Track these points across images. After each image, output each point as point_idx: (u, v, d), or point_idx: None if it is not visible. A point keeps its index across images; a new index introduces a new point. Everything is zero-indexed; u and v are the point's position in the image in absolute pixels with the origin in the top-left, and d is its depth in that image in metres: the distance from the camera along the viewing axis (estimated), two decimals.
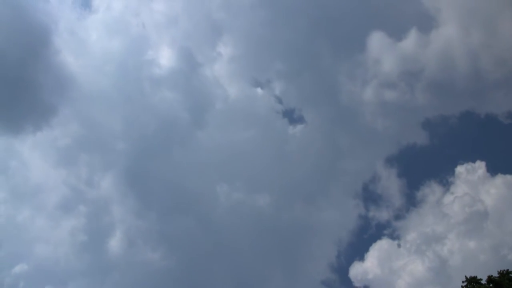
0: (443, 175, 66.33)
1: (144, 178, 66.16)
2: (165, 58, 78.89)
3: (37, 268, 58.16)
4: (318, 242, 64.78)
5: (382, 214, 66.89)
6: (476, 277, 35.60)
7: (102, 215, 63.55)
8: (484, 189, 60.65)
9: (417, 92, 73.23)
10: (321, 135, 75.83)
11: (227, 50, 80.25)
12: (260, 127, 73.83)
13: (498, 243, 53.59)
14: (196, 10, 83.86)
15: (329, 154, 73.54)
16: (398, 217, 64.94)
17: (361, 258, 61.03)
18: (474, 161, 64.10)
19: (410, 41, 74.51)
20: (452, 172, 63.97)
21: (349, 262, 61.30)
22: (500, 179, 61.71)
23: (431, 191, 64.89)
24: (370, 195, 69.17)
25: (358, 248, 63.52)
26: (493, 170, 62.16)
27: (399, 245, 60.30)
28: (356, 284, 58.82)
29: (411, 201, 65.06)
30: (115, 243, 60.62)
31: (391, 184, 69.24)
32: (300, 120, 77.09)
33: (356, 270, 59.69)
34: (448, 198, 62.02)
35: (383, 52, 75.17)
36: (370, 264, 59.31)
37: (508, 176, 60.75)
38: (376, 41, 75.06)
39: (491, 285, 34.91)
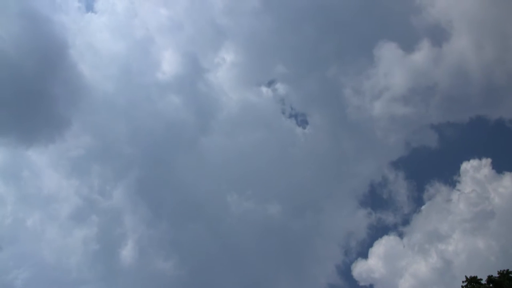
0: (449, 173, 66.29)
1: (155, 187, 67.10)
2: (170, 64, 79.30)
3: (48, 277, 58.98)
4: (325, 246, 65.02)
5: (388, 214, 66.96)
6: (476, 277, 35.73)
7: (113, 225, 64.14)
8: (491, 187, 60.43)
9: (429, 108, 71.90)
10: (327, 139, 75.97)
11: (231, 55, 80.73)
12: (266, 131, 74.42)
13: (505, 242, 53.48)
14: (200, 16, 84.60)
15: (335, 158, 73.73)
16: (403, 216, 64.90)
17: (365, 256, 61.55)
18: (480, 159, 63.88)
19: (421, 54, 73.51)
20: (457, 171, 63.79)
21: (354, 263, 61.73)
22: (508, 176, 61.44)
23: (437, 190, 64.75)
24: (376, 197, 69.28)
25: (363, 247, 63.80)
26: (500, 168, 61.92)
27: (404, 245, 60.44)
28: (361, 283, 59.16)
29: (417, 200, 64.94)
30: (126, 252, 61.22)
31: (397, 185, 69.22)
32: (306, 124, 77.54)
33: (361, 269, 60.08)
34: (454, 197, 62.04)
35: (392, 63, 74.32)
36: (375, 263, 59.62)
37: None
38: (385, 51, 74.30)
39: (491, 285, 35.04)
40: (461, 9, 72.98)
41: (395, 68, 74.47)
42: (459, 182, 63.40)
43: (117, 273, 60.49)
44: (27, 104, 64.76)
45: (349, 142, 74.99)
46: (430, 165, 71.62)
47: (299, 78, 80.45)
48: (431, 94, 71.83)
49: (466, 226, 57.66)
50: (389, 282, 58.23)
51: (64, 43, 69.40)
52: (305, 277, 62.17)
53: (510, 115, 68.04)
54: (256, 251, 63.84)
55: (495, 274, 34.86)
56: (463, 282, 35.79)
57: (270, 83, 79.66)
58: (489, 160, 62.37)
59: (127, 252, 60.94)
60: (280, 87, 79.41)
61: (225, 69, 79.59)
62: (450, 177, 65.70)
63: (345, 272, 61.22)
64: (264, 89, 79.69)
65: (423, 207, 62.15)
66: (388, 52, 73.94)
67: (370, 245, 62.21)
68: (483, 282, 35.43)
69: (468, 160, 63.79)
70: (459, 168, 63.65)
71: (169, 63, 78.90)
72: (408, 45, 73.64)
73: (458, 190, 62.48)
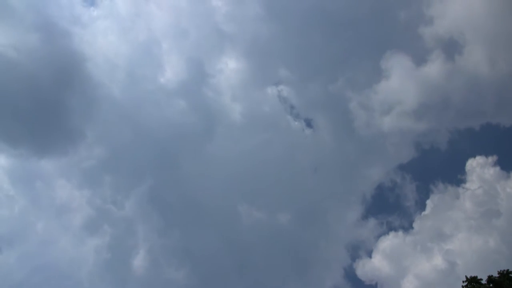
0: (455, 172, 66.06)
1: (166, 196, 67.45)
2: (176, 70, 79.81)
3: (60, 286, 59.91)
4: (333, 250, 65.06)
5: (393, 213, 67.07)
6: (476, 277, 35.92)
7: (125, 234, 64.55)
8: (498, 186, 60.19)
9: (442, 124, 71.11)
10: (333, 143, 75.71)
11: (235, 61, 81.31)
12: (272, 136, 74.27)
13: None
14: (203, 21, 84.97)
15: (341, 162, 73.43)
16: (409, 215, 64.87)
17: (371, 256, 61.79)
18: (487, 156, 63.58)
19: (432, 66, 72.40)
20: (463, 169, 63.59)
21: (360, 262, 62.00)
22: None
23: (442, 188, 64.50)
24: (382, 196, 69.25)
25: (368, 247, 64.01)
26: (506, 166, 61.55)
27: (410, 244, 60.45)
28: (367, 283, 59.43)
29: (423, 199, 64.70)
30: (138, 262, 61.54)
31: (403, 184, 69.15)
32: (313, 128, 77.40)
33: (366, 269, 60.37)
34: (459, 195, 61.92)
35: (401, 74, 73.30)
36: (380, 263, 59.95)
37: None
38: (393, 62, 73.37)
39: (491, 285, 35.21)
40: (473, 21, 70.98)
41: (402, 80, 73.77)
42: (465, 179, 63.28)
43: (128, 282, 60.81)
44: (41, 115, 66.54)
45: (355, 147, 74.50)
46: (436, 163, 71.25)
47: (304, 84, 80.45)
48: (444, 109, 70.74)
49: (472, 224, 57.70)
50: (394, 281, 58.50)
51: (80, 55, 71.01)
52: (314, 283, 62.51)
53: None
54: (266, 258, 63.86)
55: (491, 274, 35.05)
56: (463, 282, 36.02)
57: (275, 88, 79.70)
58: (495, 157, 62.22)
59: (139, 262, 61.42)
60: (285, 92, 79.41)
61: (229, 74, 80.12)
62: (456, 175, 65.61)
63: (353, 275, 61.48)
64: (269, 94, 79.66)
65: (428, 205, 62.02)
66: (396, 63, 73.29)
67: (376, 244, 62.51)
68: (483, 282, 35.66)
69: (474, 157, 63.57)
70: (464, 165, 63.54)
71: (175, 70, 79.50)
72: (418, 56, 73.05)
73: (464, 188, 62.45)
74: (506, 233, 54.24)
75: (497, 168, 61.34)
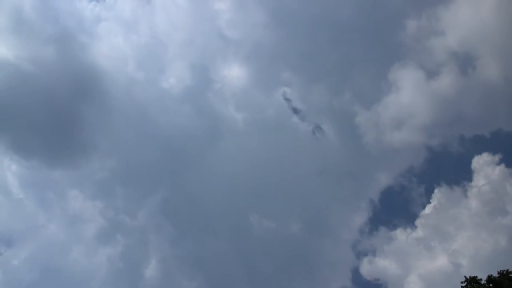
0: (460, 170, 65.39)
1: (178, 205, 67.45)
2: (185, 79, 79.14)
3: None
4: (340, 253, 64.89)
5: (398, 212, 66.61)
6: (476, 277, 35.61)
7: (138, 244, 64.48)
8: (504, 183, 59.49)
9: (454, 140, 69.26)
10: (340, 149, 74.57)
11: (241, 67, 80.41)
12: (279, 141, 73.33)
13: None
14: (207, 27, 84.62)
15: (348, 166, 72.67)
16: (414, 213, 64.22)
17: (376, 255, 61.67)
18: (493, 154, 62.75)
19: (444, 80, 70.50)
20: (469, 167, 62.84)
21: (365, 261, 61.97)
22: None
23: (448, 187, 63.73)
24: (388, 196, 68.62)
25: (373, 246, 63.78)
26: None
27: (414, 242, 60.12)
28: (373, 282, 59.33)
29: (427, 197, 63.84)
30: (151, 272, 61.37)
31: (409, 182, 68.49)
32: (320, 134, 76.11)
33: (372, 268, 60.30)
34: (466, 193, 61.40)
35: (409, 87, 71.71)
36: (385, 261, 59.83)
37: None
38: (401, 74, 71.95)
39: (491, 285, 34.86)
40: (485, 34, 68.25)
41: (411, 92, 72.14)
42: (471, 177, 62.62)
43: None
44: (55, 127, 67.39)
45: (363, 157, 72.59)
46: (442, 161, 70.22)
47: (310, 91, 78.77)
48: (456, 123, 68.76)
49: (478, 223, 57.21)
50: (400, 281, 58.21)
51: (92, 67, 71.72)
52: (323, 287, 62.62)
53: None
54: (276, 265, 63.31)
55: (490, 274, 34.73)
56: (462, 282, 35.74)
57: (280, 94, 78.30)
58: (501, 155, 61.46)
59: (151, 271, 61.26)
60: (291, 98, 77.88)
61: (235, 80, 79.30)
62: (462, 173, 64.93)
63: (360, 277, 61.31)
64: (274, 100, 78.21)
65: (434, 203, 61.46)
66: (405, 75, 71.83)
67: (381, 245, 62.31)
68: (483, 282, 35.33)
69: (480, 154, 62.78)
70: (470, 163, 62.81)
71: (183, 77, 78.71)
72: (428, 69, 71.06)
73: (470, 185, 61.78)
74: None
75: (502, 166, 60.66)
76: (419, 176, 67.59)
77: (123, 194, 67.36)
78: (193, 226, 65.81)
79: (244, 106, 76.81)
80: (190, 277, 61.39)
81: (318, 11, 79.59)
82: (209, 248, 63.61)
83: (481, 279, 35.24)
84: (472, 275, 36.09)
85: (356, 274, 61.46)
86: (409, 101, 71.52)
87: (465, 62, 69.88)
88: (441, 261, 55.87)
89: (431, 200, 61.99)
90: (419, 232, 59.94)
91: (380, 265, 61.03)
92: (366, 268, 61.31)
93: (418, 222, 61.04)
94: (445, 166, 69.79)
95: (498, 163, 60.92)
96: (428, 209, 60.90)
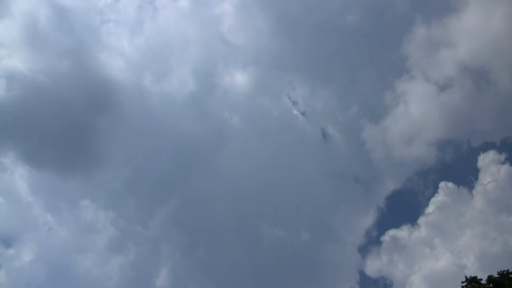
0: (465, 168, 65.06)
1: (189, 216, 67.94)
2: (191, 85, 79.80)
3: None
4: (348, 256, 65.33)
5: (403, 210, 66.61)
6: (476, 277, 35.73)
7: (150, 254, 65.25)
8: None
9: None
10: (345, 153, 74.90)
11: (245, 73, 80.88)
12: (284, 146, 73.56)
13: None
14: (211, 32, 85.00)
15: (355, 170, 72.79)
16: (418, 212, 64.16)
17: (380, 255, 61.80)
18: (500, 152, 62.39)
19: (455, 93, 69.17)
20: (474, 165, 62.57)
21: (371, 260, 62.19)
22: None
23: (454, 185, 63.41)
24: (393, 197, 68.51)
25: (378, 245, 63.99)
26: None
27: (419, 241, 60.11)
28: (379, 281, 59.62)
29: (432, 194, 63.59)
30: (162, 281, 62.02)
31: (414, 181, 68.41)
32: (326, 137, 76.62)
33: (377, 266, 60.49)
34: (471, 191, 61.18)
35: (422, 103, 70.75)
36: (390, 260, 59.99)
37: None
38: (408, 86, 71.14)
39: (491, 285, 34.98)
40: (496, 46, 67.08)
41: (419, 105, 71.32)
42: (476, 175, 62.34)
43: None
44: (67, 138, 68.14)
45: (369, 167, 72.63)
46: (446, 158, 69.71)
47: (316, 97, 79.10)
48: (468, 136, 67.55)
49: (484, 221, 57.05)
50: (405, 280, 58.33)
51: (105, 78, 72.88)
52: None
53: None
54: (286, 272, 63.84)
55: (491, 274, 34.83)
56: (462, 282, 35.89)
57: (286, 99, 79.37)
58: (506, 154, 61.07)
59: (162, 280, 61.86)
60: (296, 102, 78.87)
61: (239, 86, 79.83)
62: (468, 171, 64.60)
63: (368, 279, 61.83)
64: (280, 105, 78.81)
65: (438, 202, 61.29)
66: (412, 87, 70.98)
67: (387, 244, 62.39)
68: (483, 282, 35.46)
69: (486, 151, 62.40)
70: (476, 160, 62.50)
71: (191, 85, 79.46)
72: (438, 81, 70.13)
73: (476, 183, 61.54)
74: None
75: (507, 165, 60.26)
76: (424, 175, 67.48)
77: (135, 204, 68.05)
78: (203, 234, 66.43)
79: (250, 113, 77.04)
80: (201, 286, 62.04)
81: (323, 18, 79.72)
82: (220, 257, 64.55)
83: (481, 279, 35.35)
84: (473, 275, 36.32)
85: (363, 276, 61.97)
86: (419, 114, 70.99)
87: (476, 75, 68.71)
88: (446, 260, 55.93)
89: (436, 199, 61.90)
90: (424, 232, 59.95)
91: (386, 265, 61.23)
92: (373, 270, 61.64)
93: (423, 221, 61.01)
94: (451, 164, 69.49)
95: (504, 162, 60.58)
96: (433, 208, 60.83)
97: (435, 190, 63.27)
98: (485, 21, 69.12)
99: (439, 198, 61.76)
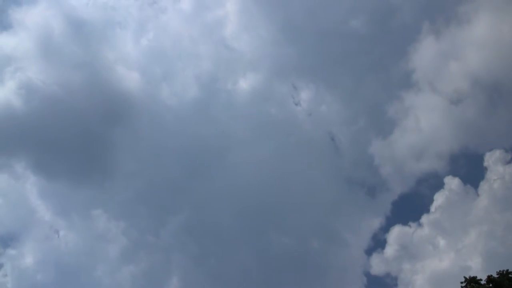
0: (471, 167, 64.54)
1: (201, 224, 67.80)
2: (199, 93, 79.29)
3: None
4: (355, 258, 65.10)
5: (408, 208, 66.29)
6: (476, 277, 35.80)
7: (161, 263, 65.19)
8: None
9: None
10: (354, 154, 73.41)
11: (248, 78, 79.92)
12: (290, 150, 73.24)
13: None
14: (214, 37, 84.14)
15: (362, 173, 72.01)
16: (423, 210, 63.71)
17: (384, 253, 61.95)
18: (506, 151, 61.70)
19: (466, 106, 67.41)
20: (481, 164, 61.99)
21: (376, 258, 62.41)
22: None
23: (459, 183, 62.88)
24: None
25: (383, 244, 63.85)
26: None
27: (424, 239, 59.96)
28: (384, 279, 59.72)
29: (436, 193, 63.06)
30: None
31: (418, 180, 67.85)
32: (333, 142, 75.49)
33: (382, 264, 60.56)
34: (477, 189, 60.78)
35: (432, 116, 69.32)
36: (394, 258, 60.02)
37: None
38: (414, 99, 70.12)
39: (490, 285, 34.99)
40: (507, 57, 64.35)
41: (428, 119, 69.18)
42: (483, 174, 61.78)
43: None
44: (82, 148, 68.91)
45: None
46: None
47: (321, 102, 77.91)
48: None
49: (490, 219, 56.72)
50: (411, 278, 58.30)
51: (118, 89, 73.59)
52: None
53: None
54: (295, 280, 63.03)
55: (490, 274, 34.86)
56: (462, 282, 35.95)
57: (293, 104, 78.87)
58: None
59: None
60: (301, 106, 78.32)
61: (245, 91, 78.89)
62: (473, 170, 64.02)
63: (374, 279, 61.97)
64: (286, 110, 78.13)
65: (443, 201, 60.92)
66: (421, 99, 69.46)
67: (392, 242, 62.34)
68: (483, 282, 35.48)
69: (491, 150, 61.75)
70: (482, 159, 61.91)
71: (199, 93, 78.92)
72: (448, 94, 68.02)
73: (483, 181, 61.00)
74: None
75: None
76: (429, 173, 66.99)
77: (147, 214, 68.60)
78: (213, 242, 66.34)
79: (257, 120, 76.34)
80: None
81: (327, 25, 78.14)
82: (230, 264, 64.55)
83: (480, 279, 35.42)
84: (473, 275, 36.39)
85: (369, 278, 62.00)
86: (428, 128, 68.76)
87: (488, 87, 66.32)
88: (452, 259, 55.76)
89: (441, 196, 61.50)
90: (428, 230, 59.75)
91: (391, 266, 61.16)
92: (378, 272, 61.65)
93: (427, 220, 60.73)
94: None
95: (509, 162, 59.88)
96: (438, 206, 60.51)
97: (440, 187, 63.05)
98: (496, 32, 67.17)
99: (444, 195, 61.47)
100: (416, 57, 71.32)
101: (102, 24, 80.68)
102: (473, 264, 52.23)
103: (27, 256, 62.56)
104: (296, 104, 79.10)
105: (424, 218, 60.71)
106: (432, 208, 61.20)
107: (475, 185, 61.13)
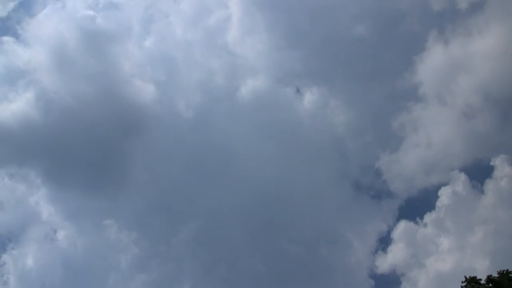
0: (477, 167, 64.07)
1: (212, 233, 68.43)
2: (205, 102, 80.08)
3: None
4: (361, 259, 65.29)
5: (414, 207, 66.05)
6: (476, 277, 35.74)
7: (172, 271, 65.93)
8: None
9: None
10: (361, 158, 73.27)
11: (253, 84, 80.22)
12: (296, 156, 73.87)
13: None
14: (216, 42, 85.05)
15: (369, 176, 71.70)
16: (427, 209, 63.38)
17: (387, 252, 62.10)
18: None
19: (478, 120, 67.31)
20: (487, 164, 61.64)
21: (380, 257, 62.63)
22: None
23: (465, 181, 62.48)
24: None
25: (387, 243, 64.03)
26: None
27: (428, 238, 59.81)
28: (390, 278, 59.86)
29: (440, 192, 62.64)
30: None
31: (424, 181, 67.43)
32: (340, 142, 75.51)
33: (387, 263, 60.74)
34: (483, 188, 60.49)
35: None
36: (399, 256, 60.11)
37: None
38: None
39: (490, 285, 34.96)
40: None
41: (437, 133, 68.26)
42: (488, 174, 61.43)
43: None
44: (95, 159, 70.11)
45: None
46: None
47: (326, 105, 78.06)
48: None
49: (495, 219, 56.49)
50: (416, 277, 58.25)
51: (131, 100, 74.81)
52: None
53: None
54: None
55: (490, 274, 34.82)
56: (462, 282, 35.96)
57: (299, 106, 79.00)
58: None
59: None
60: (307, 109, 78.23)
61: (250, 96, 79.17)
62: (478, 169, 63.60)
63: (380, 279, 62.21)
64: (292, 114, 78.32)
65: (447, 200, 60.71)
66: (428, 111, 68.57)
67: (397, 241, 62.43)
68: (483, 282, 35.45)
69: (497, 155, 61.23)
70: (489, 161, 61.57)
71: (206, 102, 79.54)
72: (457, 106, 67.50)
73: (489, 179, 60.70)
74: None
75: None
76: (434, 171, 66.63)
77: (158, 224, 69.34)
78: (224, 250, 66.88)
79: (266, 128, 76.75)
80: None
81: (333, 31, 78.36)
82: (241, 271, 64.89)
83: (480, 279, 35.34)
84: (472, 275, 36.35)
85: (375, 279, 62.22)
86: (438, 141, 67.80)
87: (499, 100, 65.32)
88: (457, 258, 55.66)
89: (446, 195, 61.29)
90: (432, 229, 59.70)
91: (397, 261, 61.27)
92: (384, 271, 61.75)
93: (431, 219, 60.58)
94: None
95: None
96: (442, 205, 60.33)
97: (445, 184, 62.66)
98: (507, 43, 65.53)
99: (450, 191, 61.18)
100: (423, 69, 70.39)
101: (114, 34, 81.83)
102: (480, 262, 52.12)
103: (35, 266, 63.91)
104: (302, 109, 79.33)
105: (429, 217, 60.74)
106: (438, 205, 61.23)
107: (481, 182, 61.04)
